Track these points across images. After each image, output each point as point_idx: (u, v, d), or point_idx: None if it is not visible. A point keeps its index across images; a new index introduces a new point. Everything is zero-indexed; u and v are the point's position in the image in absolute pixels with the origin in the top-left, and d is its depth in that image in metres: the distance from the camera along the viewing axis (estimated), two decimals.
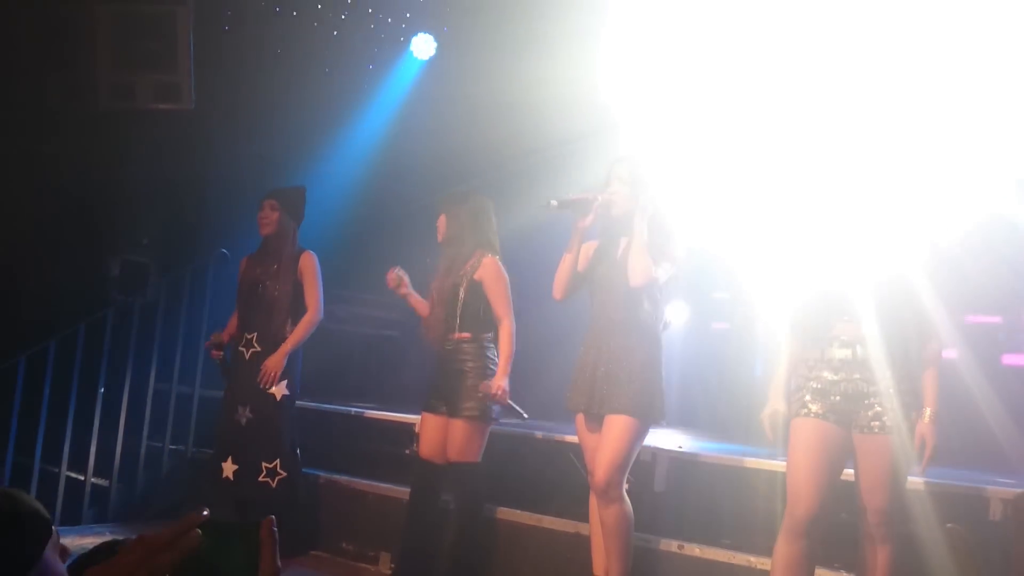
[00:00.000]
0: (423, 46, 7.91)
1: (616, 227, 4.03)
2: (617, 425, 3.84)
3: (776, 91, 6.10)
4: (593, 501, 3.98)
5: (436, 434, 4.56)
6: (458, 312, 4.50)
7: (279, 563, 1.00)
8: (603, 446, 3.86)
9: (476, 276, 4.50)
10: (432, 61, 7.96)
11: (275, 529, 1.01)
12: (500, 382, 4.38)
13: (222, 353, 5.27)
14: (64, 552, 1.42)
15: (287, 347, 5.05)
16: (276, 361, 5.03)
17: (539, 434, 5.20)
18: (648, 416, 3.87)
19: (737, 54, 6.32)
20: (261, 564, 0.99)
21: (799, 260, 3.44)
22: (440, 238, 4.69)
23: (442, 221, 4.67)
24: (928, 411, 3.23)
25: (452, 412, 4.47)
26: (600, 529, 3.95)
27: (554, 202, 3.89)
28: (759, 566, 3.87)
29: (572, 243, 4.00)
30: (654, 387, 3.89)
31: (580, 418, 4.04)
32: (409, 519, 4.63)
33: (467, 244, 4.58)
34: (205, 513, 1.02)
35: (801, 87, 5.88)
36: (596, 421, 3.95)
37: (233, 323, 5.30)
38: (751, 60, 6.24)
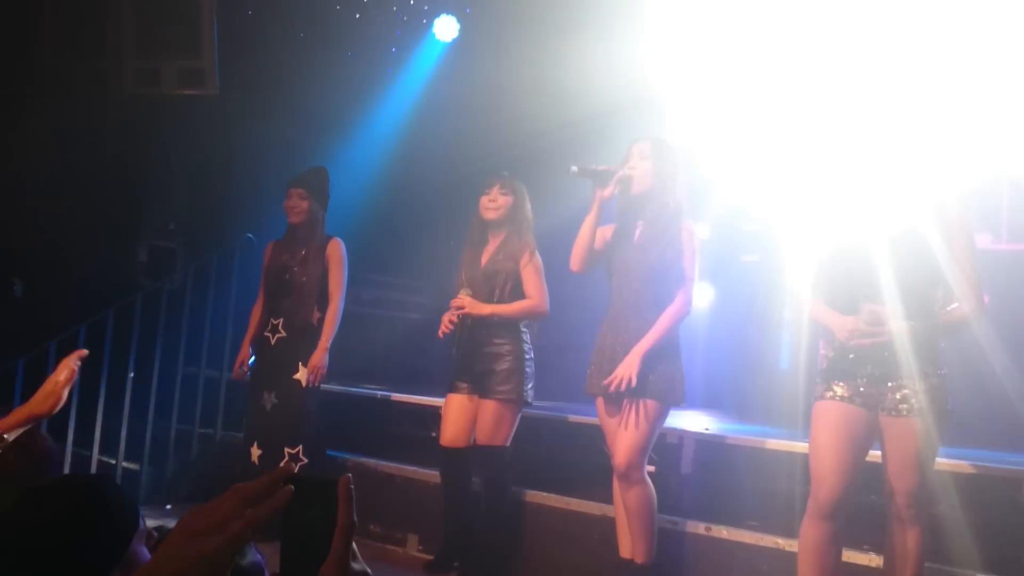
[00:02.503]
0: (446, 28, 7.88)
1: (634, 208, 4.03)
2: (636, 408, 3.84)
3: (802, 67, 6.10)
4: (616, 484, 3.98)
5: (461, 416, 4.55)
6: (503, 296, 4.50)
7: (355, 517, 1.08)
8: (623, 429, 3.86)
9: (522, 264, 4.51)
10: (455, 43, 7.94)
11: (352, 486, 1.09)
12: (477, 308, 4.45)
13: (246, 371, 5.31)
14: (149, 536, 1.47)
15: (326, 343, 5.05)
16: (321, 358, 5.03)
17: (566, 417, 5.21)
18: (668, 399, 3.87)
19: (758, 28, 6.31)
20: (339, 517, 1.07)
21: (823, 239, 3.39)
22: (493, 215, 4.57)
23: (504, 200, 4.57)
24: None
25: (484, 393, 4.47)
26: (624, 511, 3.96)
27: (574, 168, 3.87)
28: (787, 548, 3.86)
29: (591, 213, 3.98)
30: (674, 369, 3.88)
31: (600, 401, 4.04)
32: (446, 508, 4.63)
33: (523, 230, 4.56)
34: (294, 468, 1.08)
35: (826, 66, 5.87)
36: (616, 404, 3.94)
37: (252, 328, 5.32)
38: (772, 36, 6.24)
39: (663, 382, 3.84)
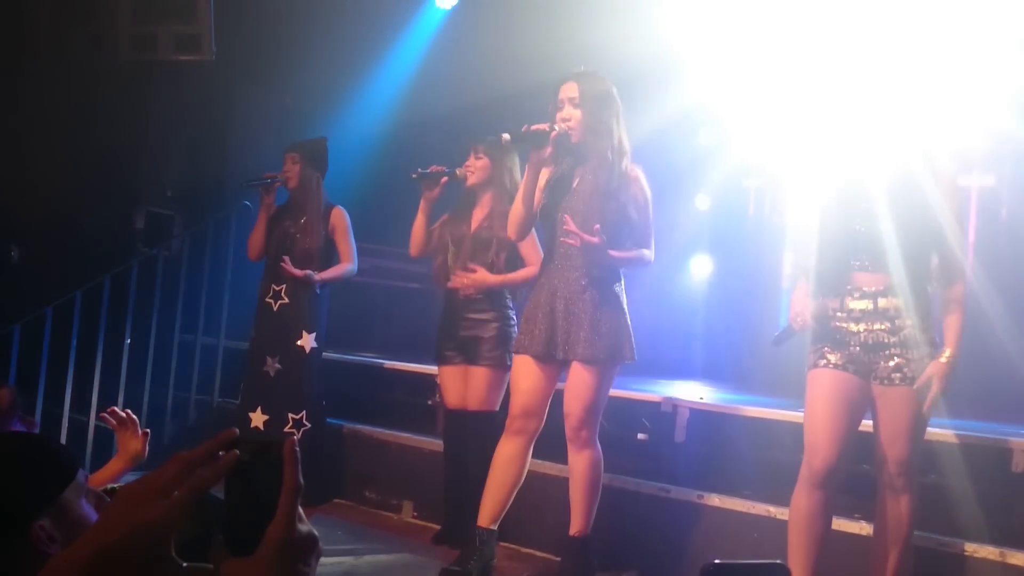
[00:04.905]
0: None
1: (572, 155, 3.80)
2: (585, 373, 3.71)
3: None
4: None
5: (457, 385, 4.58)
6: (498, 265, 4.47)
7: (301, 479, 1.04)
8: (574, 390, 3.74)
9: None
10: (455, 10, 7.87)
11: (297, 448, 1.05)
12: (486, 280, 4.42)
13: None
14: (99, 499, 1.48)
15: (325, 277, 5.14)
16: (312, 279, 5.08)
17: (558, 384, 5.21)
18: (615, 360, 3.75)
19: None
20: (284, 479, 1.03)
21: (815, 203, 3.36)
22: (471, 180, 4.56)
23: (482, 164, 4.54)
24: (948, 351, 3.14)
25: (472, 360, 4.49)
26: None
27: (506, 136, 3.67)
28: (778, 516, 3.86)
29: (528, 178, 3.76)
30: (619, 326, 3.73)
31: (525, 359, 3.82)
32: (447, 470, 4.65)
33: (506, 198, 4.47)
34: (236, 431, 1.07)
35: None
36: (552, 364, 3.79)
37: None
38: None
39: (609, 345, 3.70)
